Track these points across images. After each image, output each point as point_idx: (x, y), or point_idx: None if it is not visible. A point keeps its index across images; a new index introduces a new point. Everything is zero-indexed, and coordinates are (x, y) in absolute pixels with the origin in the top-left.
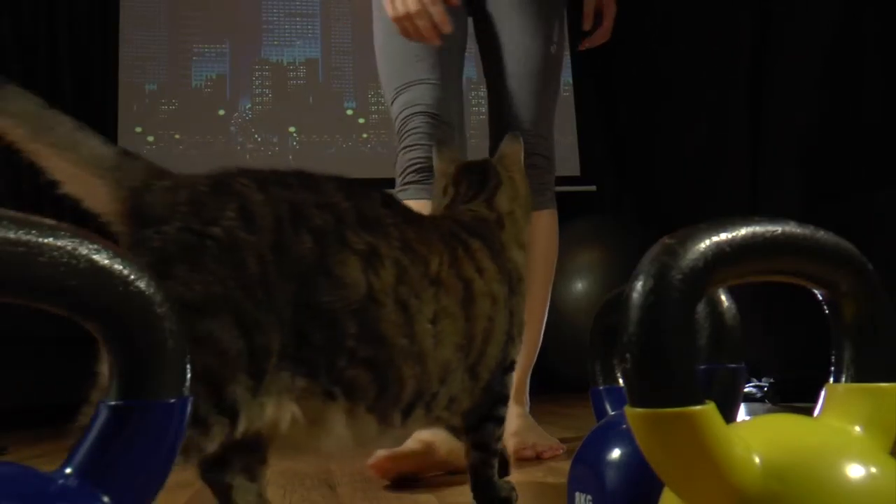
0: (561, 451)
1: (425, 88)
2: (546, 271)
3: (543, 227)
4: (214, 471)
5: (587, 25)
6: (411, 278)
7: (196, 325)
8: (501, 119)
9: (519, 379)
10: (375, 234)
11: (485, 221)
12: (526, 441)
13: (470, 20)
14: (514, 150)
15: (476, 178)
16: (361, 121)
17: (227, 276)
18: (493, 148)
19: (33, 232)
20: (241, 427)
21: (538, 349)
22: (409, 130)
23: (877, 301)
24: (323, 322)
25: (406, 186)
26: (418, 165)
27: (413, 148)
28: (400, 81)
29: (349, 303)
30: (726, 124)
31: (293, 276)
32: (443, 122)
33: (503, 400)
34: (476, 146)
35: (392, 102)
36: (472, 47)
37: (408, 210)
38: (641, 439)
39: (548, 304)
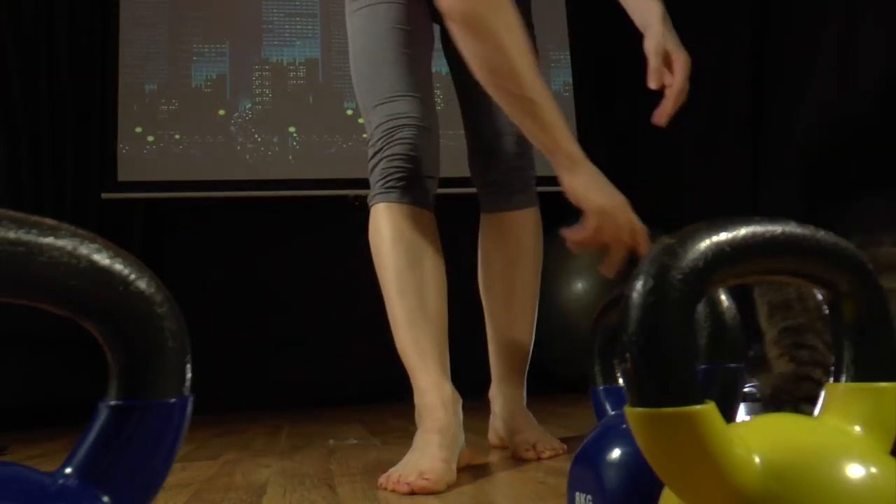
0: (561, 451)
1: (413, 102)
2: (536, 265)
3: (532, 224)
4: None
5: (654, 83)
6: None
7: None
8: (479, 127)
9: (520, 365)
10: None
11: None
12: (528, 441)
13: (437, 27)
14: None
15: None
16: (361, 121)
17: None
18: (471, 150)
19: (33, 232)
20: None
21: (532, 340)
22: (397, 139)
23: (877, 301)
24: None
25: (389, 190)
26: (403, 173)
27: (398, 157)
28: (390, 91)
29: None
30: (726, 124)
31: None
32: (428, 132)
33: None
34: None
35: (373, 108)
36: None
37: None
38: (641, 439)
39: (538, 295)
